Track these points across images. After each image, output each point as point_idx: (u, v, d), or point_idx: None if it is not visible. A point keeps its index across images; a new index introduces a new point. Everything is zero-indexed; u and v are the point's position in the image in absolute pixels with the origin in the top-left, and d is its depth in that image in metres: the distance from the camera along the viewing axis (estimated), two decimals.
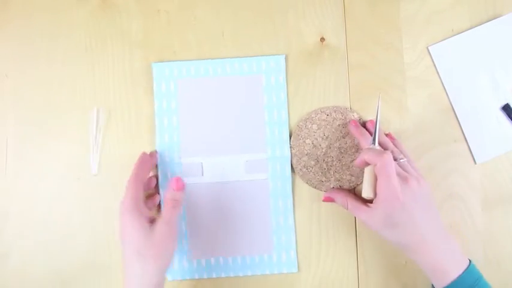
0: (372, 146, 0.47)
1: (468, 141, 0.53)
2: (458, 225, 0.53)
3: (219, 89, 0.53)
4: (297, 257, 0.53)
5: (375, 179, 0.44)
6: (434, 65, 0.54)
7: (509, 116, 0.53)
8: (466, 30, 0.54)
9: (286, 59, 0.53)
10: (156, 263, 0.43)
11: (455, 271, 0.43)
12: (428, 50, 0.54)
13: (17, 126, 0.53)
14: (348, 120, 0.52)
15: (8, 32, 0.54)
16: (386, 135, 0.51)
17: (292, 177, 0.52)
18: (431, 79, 0.54)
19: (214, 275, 0.52)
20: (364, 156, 0.45)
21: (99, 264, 0.53)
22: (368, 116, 0.53)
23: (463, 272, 0.43)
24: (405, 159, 0.47)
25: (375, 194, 0.44)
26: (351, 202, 0.48)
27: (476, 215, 0.53)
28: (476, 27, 0.54)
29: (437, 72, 0.54)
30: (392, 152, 0.46)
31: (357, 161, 0.46)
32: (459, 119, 0.53)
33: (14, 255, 0.53)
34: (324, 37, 0.54)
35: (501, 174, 0.53)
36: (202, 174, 0.52)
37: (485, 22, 0.54)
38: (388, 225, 0.44)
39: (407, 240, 0.44)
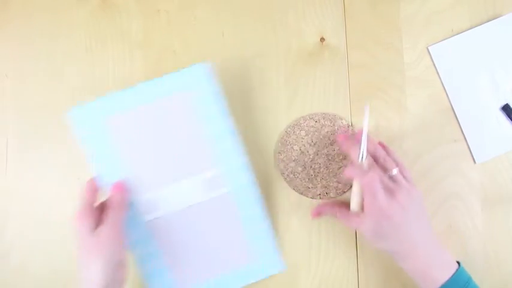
0: (360, 161, 0.46)
1: (468, 141, 0.53)
2: (458, 225, 0.53)
3: (151, 117, 0.48)
4: (298, 257, 0.53)
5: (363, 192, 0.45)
6: (434, 65, 0.54)
7: (508, 116, 0.53)
8: (466, 30, 0.54)
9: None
10: (99, 263, 0.43)
11: (443, 277, 0.43)
12: (428, 50, 0.54)
13: (17, 126, 0.53)
14: (336, 128, 0.52)
15: (8, 32, 0.54)
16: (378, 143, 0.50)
17: (256, 184, 0.50)
18: (431, 79, 0.54)
19: None
20: (351, 174, 0.45)
21: None
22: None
23: (450, 277, 0.43)
24: (397, 169, 0.46)
25: (363, 208, 0.45)
26: (340, 211, 0.48)
27: (476, 215, 0.53)
28: (476, 27, 0.54)
29: (437, 72, 0.54)
30: (384, 162, 0.46)
31: (345, 176, 0.46)
32: (459, 119, 0.53)
33: (14, 255, 0.53)
34: (324, 37, 0.54)
35: (501, 174, 0.53)
36: (162, 207, 0.49)
37: (485, 22, 0.54)
38: (376, 236, 0.44)
39: (396, 250, 0.45)
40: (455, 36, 0.54)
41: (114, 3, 0.54)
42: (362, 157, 0.46)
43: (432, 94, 0.54)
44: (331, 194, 0.52)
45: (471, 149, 0.53)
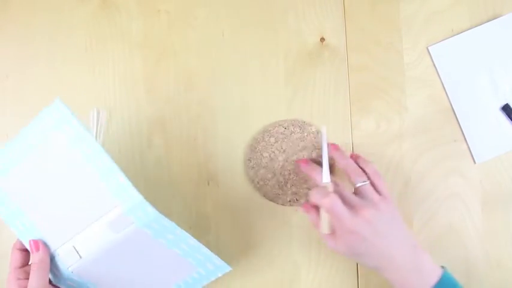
0: (324, 182, 0.46)
1: (468, 141, 0.53)
2: (458, 225, 0.53)
3: (34, 173, 0.45)
4: (298, 257, 0.52)
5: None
6: (434, 65, 0.54)
7: (508, 116, 0.53)
8: (465, 31, 0.54)
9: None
10: None
11: (425, 286, 0.43)
12: (428, 50, 0.54)
13: (17, 126, 0.53)
14: (305, 134, 0.52)
15: (8, 32, 0.54)
16: (351, 156, 0.50)
17: (160, 212, 0.44)
18: (431, 79, 0.54)
19: None
20: (311, 199, 0.45)
21: None
22: (366, 116, 0.53)
23: (433, 287, 0.43)
24: (367, 182, 0.46)
25: (332, 230, 0.45)
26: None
27: (476, 215, 0.53)
28: (476, 28, 0.54)
29: (437, 73, 0.54)
30: (354, 173, 0.46)
31: (310, 202, 0.46)
32: (459, 119, 0.53)
33: None
34: (324, 37, 0.54)
35: (501, 174, 0.53)
36: (81, 254, 0.46)
37: (485, 22, 0.54)
38: (353, 255, 0.45)
39: (374, 265, 0.45)
40: (455, 36, 0.54)
41: (114, 3, 0.54)
42: (325, 175, 0.46)
43: (432, 94, 0.54)
44: (301, 201, 0.52)
45: (471, 149, 0.53)
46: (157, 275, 0.49)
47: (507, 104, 0.53)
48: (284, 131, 0.53)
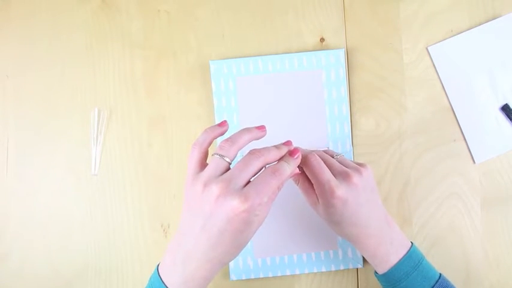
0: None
1: (467, 141, 0.53)
2: (458, 225, 0.53)
3: (279, 85, 0.52)
4: None
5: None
6: (434, 65, 0.54)
7: (508, 116, 0.53)
8: (465, 31, 0.54)
9: (345, 53, 0.53)
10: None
11: (395, 257, 0.43)
12: (427, 51, 0.54)
13: (17, 126, 0.53)
14: None
15: (8, 33, 0.54)
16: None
17: None
18: (431, 79, 0.54)
19: (279, 273, 0.52)
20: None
21: (99, 264, 0.53)
22: (366, 116, 0.53)
23: (402, 257, 0.43)
24: (341, 153, 0.45)
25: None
26: (302, 182, 0.45)
27: (476, 215, 0.53)
28: (475, 28, 0.54)
29: (437, 73, 0.54)
30: (326, 151, 0.45)
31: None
32: (458, 119, 0.54)
33: (14, 256, 0.52)
34: (324, 37, 0.54)
35: (500, 174, 0.54)
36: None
37: (484, 22, 0.54)
38: (331, 220, 0.43)
39: (350, 233, 0.44)
40: (454, 37, 0.54)
41: (114, 3, 0.54)
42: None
43: (432, 94, 0.54)
44: None
45: (470, 149, 0.53)
46: (306, 235, 0.52)
47: (506, 104, 0.53)
48: None
